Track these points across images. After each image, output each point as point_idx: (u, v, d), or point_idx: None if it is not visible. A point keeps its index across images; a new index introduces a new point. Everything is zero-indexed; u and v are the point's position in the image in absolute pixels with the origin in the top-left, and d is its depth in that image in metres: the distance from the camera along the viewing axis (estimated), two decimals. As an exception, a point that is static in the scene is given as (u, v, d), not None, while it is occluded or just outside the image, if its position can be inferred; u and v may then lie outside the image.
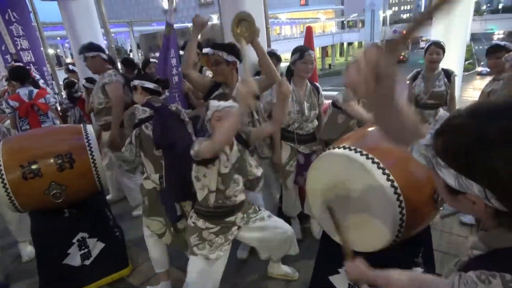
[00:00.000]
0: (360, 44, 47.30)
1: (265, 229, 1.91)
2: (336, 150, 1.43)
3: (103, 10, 4.58)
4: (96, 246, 2.32)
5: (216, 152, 1.57)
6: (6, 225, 2.68)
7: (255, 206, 1.95)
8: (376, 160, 1.28)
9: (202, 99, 2.55)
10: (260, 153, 2.56)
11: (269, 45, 3.66)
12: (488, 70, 2.62)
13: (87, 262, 2.30)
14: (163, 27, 2.77)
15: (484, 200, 0.55)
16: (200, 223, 1.78)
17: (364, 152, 1.32)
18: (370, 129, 1.68)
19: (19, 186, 1.94)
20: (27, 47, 5.50)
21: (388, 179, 1.24)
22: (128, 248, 2.55)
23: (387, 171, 1.25)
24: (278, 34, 38.55)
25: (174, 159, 1.95)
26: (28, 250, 2.74)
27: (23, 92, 3.32)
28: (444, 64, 2.87)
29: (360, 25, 47.13)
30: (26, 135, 2.45)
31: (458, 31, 5.86)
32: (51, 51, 8.61)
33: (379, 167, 1.26)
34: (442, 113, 0.64)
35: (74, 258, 2.25)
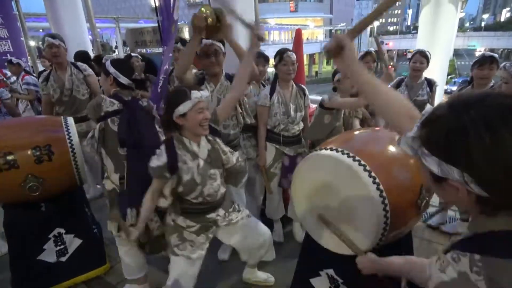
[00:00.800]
0: (346, 53, 48.14)
1: (245, 228, 1.88)
2: (323, 151, 1.44)
3: (89, 3, 4.48)
4: (73, 243, 2.24)
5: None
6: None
7: (235, 204, 1.91)
8: (362, 162, 1.30)
9: None
10: (245, 153, 2.56)
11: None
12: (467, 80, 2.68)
13: (63, 259, 2.22)
14: (150, 24, 2.73)
15: (465, 185, 0.59)
16: (180, 220, 1.73)
17: (351, 154, 1.33)
18: (357, 132, 1.71)
19: (-7, 177, 1.85)
20: (6, 36, 5.29)
21: (374, 182, 1.26)
22: (106, 246, 2.48)
23: (373, 174, 1.27)
24: (266, 39, 38.80)
25: (137, 160, 1.80)
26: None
27: None
28: (427, 76, 2.95)
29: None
30: (3, 124, 2.35)
31: (442, 46, 6.09)
32: (32, 43, 8.33)
33: (365, 170, 1.28)
34: (429, 107, 0.70)
35: (49, 254, 2.16)
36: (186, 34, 5.34)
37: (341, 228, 1.39)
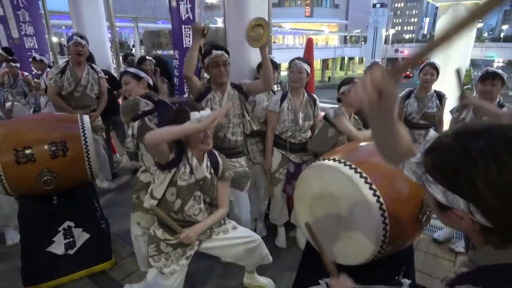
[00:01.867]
0: (361, 60, 47.99)
1: (229, 240, 1.87)
2: (326, 161, 1.47)
3: (110, 2, 4.62)
4: (81, 236, 2.32)
5: (152, 145, 1.48)
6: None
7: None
8: (364, 174, 1.33)
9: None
10: (252, 158, 2.62)
11: (270, 53, 3.73)
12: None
13: (71, 252, 2.29)
14: (167, 25, 2.85)
15: (469, 215, 0.59)
16: (159, 233, 1.74)
17: (353, 166, 1.36)
18: (360, 144, 1.73)
19: (12, 169, 1.94)
20: (32, 33, 5.52)
21: (374, 194, 1.28)
22: (112, 241, 2.55)
23: (374, 186, 1.30)
24: (281, 43, 38.92)
25: None
26: (12, 235, 2.72)
27: None
28: (443, 87, 2.92)
29: (362, 41, 47.87)
30: (23, 119, 2.46)
31: (459, 56, 6.00)
32: (55, 39, 8.63)
33: (366, 182, 1.31)
34: (432, 133, 0.70)
35: (58, 246, 2.24)
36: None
37: (340, 238, 1.42)
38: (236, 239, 1.88)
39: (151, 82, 2.13)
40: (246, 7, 2.79)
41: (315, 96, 2.63)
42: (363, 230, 1.34)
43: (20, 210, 2.19)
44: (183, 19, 2.77)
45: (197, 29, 2.09)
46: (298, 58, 2.40)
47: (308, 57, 2.95)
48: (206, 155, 1.72)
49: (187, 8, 2.71)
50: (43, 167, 2.00)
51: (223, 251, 1.91)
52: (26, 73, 4.69)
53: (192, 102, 2.15)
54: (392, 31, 46.10)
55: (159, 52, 4.57)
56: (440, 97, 2.85)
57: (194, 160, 1.64)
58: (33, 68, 4.70)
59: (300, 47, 34.70)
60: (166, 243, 1.73)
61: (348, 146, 1.76)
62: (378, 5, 39.80)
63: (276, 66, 2.82)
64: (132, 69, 2.15)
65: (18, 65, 4.52)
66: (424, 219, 1.44)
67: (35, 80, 4.43)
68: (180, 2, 2.72)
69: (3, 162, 1.92)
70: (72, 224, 2.27)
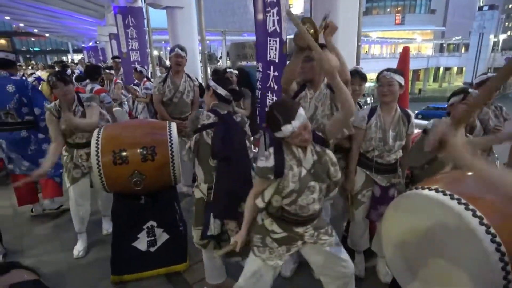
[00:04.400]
0: (460, 70, 42.55)
1: (329, 256, 1.75)
2: (427, 191, 1.24)
3: (202, 18, 4.99)
4: (161, 236, 2.46)
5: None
6: (97, 200, 3.05)
7: (328, 227, 1.80)
8: (478, 213, 1.06)
9: None
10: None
11: (358, 63, 3.52)
12: None
13: (152, 249, 2.45)
14: (252, 37, 2.87)
15: None
16: (268, 222, 1.71)
17: (463, 201, 1.11)
18: (468, 173, 1.43)
19: (109, 169, 2.17)
20: (137, 48, 6.35)
21: (493, 241, 1.01)
22: (188, 244, 2.64)
23: (492, 230, 1.02)
24: (366, 52, 37.07)
25: (227, 173, 1.87)
26: (108, 225, 3.07)
27: (89, 87, 3.90)
28: None
29: (463, 49, 42.46)
30: (123, 124, 2.76)
31: None
32: (155, 53, 9.86)
33: (481, 223, 1.04)
34: None
35: (141, 242, 2.42)
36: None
37: (438, 278, 1.17)
38: (333, 257, 1.76)
39: (220, 92, 1.99)
40: (335, 17, 2.66)
41: (409, 111, 2.32)
42: (473, 279, 1.07)
43: (114, 205, 2.44)
44: (269, 31, 2.73)
45: (300, 43, 1.92)
46: (388, 69, 2.14)
47: (402, 67, 2.64)
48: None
49: (273, 20, 2.66)
50: (134, 169, 2.18)
51: (316, 261, 1.82)
52: (118, 81, 5.64)
53: (281, 104, 2.00)
54: (502, 37, 39.64)
55: (243, 63, 4.72)
56: None
57: (300, 152, 1.59)
58: (134, 77, 5.37)
59: (388, 57, 32.58)
60: (271, 238, 1.71)
61: (453, 174, 1.47)
62: (486, 8, 34.84)
63: (364, 78, 2.60)
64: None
65: (112, 72, 5.50)
66: None
67: (135, 87, 5.02)
68: (267, 14, 2.70)
69: (104, 162, 2.15)
70: (154, 223, 2.43)
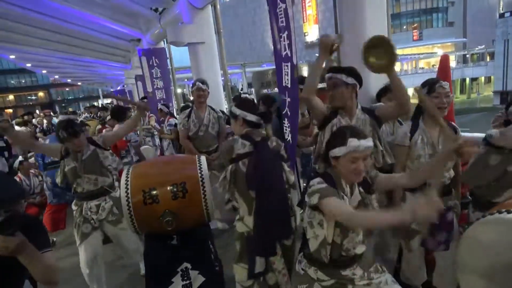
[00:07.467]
0: (488, 79, 40.93)
1: None
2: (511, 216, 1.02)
3: (223, 55, 5.12)
4: (197, 279, 2.28)
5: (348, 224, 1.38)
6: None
7: (377, 264, 1.60)
8: None
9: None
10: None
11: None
12: None
13: (187, 294, 2.28)
14: (272, 67, 2.82)
15: None
16: (311, 271, 1.54)
17: None
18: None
19: (140, 209, 2.07)
20: (161, 87, 6.62)
21: None
22: (225, 284, 2.45)
23: None
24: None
25: (266, 203, 1.75)
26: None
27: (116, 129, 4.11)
28: None
29: (488, 57, 41.06)
30: (151, 162, 2.71)
31: None
32: (179, 90, 10.28)
33: None
34: None
35: (177, 287, 2.25)
36: (304, 73, 5.48)
37: None
38: None
39: (250, 119, 1.94)
40: (363, 32, 2.56)
41: (455, 125, 2.11)
42: None
43: (145, 247, 2.32)
44: (282, 56, 2.65)
45: (323, 44, 1.84)
46: (437, 80, 1.98)
47: (444, 78, 2.43)
48: None
49: (285, 45, 2.58)
50: (165, 208, 2.08)
51: None
52: (151, 114, 5.78)
53: (352, 125, 1.83)
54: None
55: (266, 90, 4.71)
56: None
57: (347, 187, 1.48)
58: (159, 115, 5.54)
59: (410, 73, 32.01)
60: (321, 285, 1.53)
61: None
62: (508, 14, 33.86)
63: None
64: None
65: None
66: None
67: (161, 125, 5.16)
68: (280, 40, 2.63)
69: (134, 202, 2.06)
70: (189, 265, 2.26)
